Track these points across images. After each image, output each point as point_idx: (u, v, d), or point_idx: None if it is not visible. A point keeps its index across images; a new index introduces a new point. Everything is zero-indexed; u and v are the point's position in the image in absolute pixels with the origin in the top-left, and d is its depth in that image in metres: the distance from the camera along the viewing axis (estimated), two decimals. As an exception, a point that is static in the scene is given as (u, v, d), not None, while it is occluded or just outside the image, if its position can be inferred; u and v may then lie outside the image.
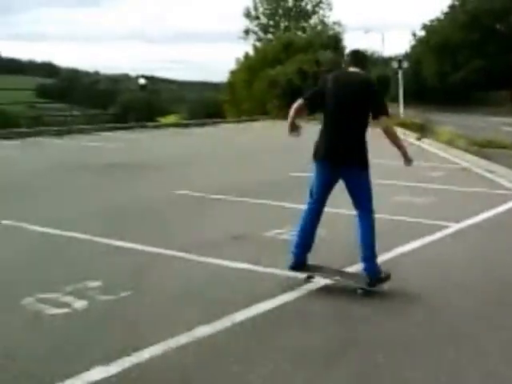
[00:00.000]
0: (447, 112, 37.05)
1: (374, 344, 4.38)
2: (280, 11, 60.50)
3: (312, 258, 5.65)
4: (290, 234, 6.65)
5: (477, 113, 37.77)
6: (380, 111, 5.46)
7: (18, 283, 5.65)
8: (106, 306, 5.04)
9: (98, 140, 20.61)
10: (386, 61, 44.70)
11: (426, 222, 8.05)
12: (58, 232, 7.42)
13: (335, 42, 45.92)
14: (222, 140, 22.31)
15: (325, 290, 5.48)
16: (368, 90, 5.51)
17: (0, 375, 3.89)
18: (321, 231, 5.77)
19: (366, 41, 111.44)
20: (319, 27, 57.69)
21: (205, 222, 8.21)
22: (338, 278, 5.59)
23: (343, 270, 5.82)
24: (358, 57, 5.72)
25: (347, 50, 12.32)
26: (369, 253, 5.42)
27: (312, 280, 5.61)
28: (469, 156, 15.39)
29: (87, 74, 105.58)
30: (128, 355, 4.08)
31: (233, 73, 49.77)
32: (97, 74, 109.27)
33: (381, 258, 5.73)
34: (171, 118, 44.31)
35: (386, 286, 5.44)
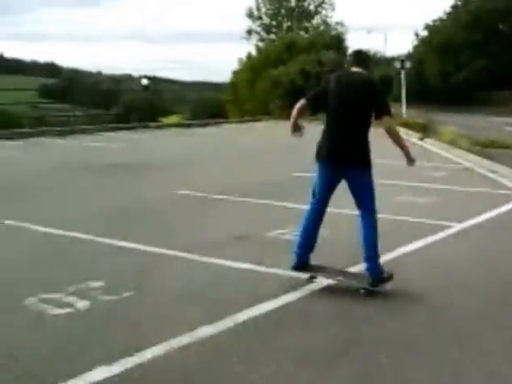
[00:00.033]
0: (450, 112, 37.01)
1: (377, 344, 4.38)
2: (283, 11, 60.51)
3: (314, 258, 5.65)
4: (292, 234, 6.66)
5: (479, 113, 37.72)
6: (383, 111, 5.45)
7: (21, 283, 5.66)
8: (108, 306, 5.04)
9: (101, 140, 20.62)
10: (389, 61, 44.57)
11: (428, 222, 8.04)
12: (60, 232, 7.43)
13: (338, 42, 45.88)
14: (224, 140, 22.31)
15: (327, 290, 5.48)
16: (371, 90, 5.50)
17: (3, 375, 3.90)
18: (323, 231, 5.77)
19: (369, 41, 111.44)
20: (322, 27, 57.66)
21: (207, 222, 8.21)
22: (340, 278, 5.59)
23: (346, 270, 5.81)
24: (361, 57, 5.71)
25: (350, 50, 12.31)
26: (371, 253, 5.42)
27: (314, 280, 5.61)
28: (471, 156, 15.37)
29: (90, 74, 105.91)
30: (130, 355, 4.09)
31: (235, 73, 49.78)
32: (99, 74, 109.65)
33: (383, 258, 5.72)
34: (173, 118, 44.33)
35: (388, 286, 5.43)
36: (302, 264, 5.60)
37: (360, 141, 5.46)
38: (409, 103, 29.65)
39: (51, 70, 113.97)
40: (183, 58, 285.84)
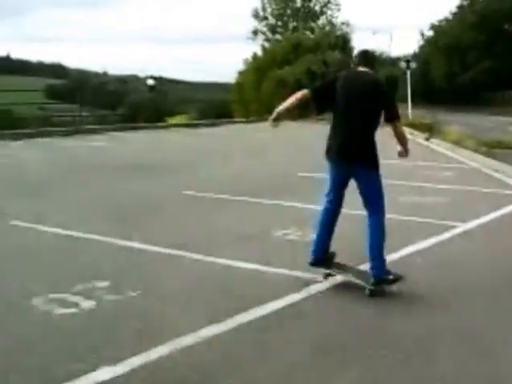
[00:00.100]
0: (456, 112, 36.97)
1: (383, 344, 4.36)
2: (288, 12, 60.52)
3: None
4: (296, 234, 6.63)
5: (485, 113, 37.67)
6: (393, 115, 5.49)
7: (28, 283, 5.66)
8: (113, 306, 5.04)
9: (107, 140, 20.63)
10: (394, 61, 44.53)
11: (434, 222, 8.03)
12: (67, 232, 7.43)
13: (343, 43, 45.78)
14: (230, 140, 22.28)
15: (333, 289, 5.48)
16: (377, 90, 5.50)
17: (8, 374, 3.90)
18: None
19: (374, 41, 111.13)
20: (327, 28, 57.60)
21: (214, 221, 8.20)
22: (351, 275, 5.57)
23: (357, 267, 5.79)
24: (368, 57, 5.71)
25: (355, 51, 12.30)
26: (377, 252, 5.40)
27: (321, 280, 5.60)
28: (477, 156, 15.33)
29: (96, 74, 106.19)
30: (135, 355, 4.08)
31: (241, 73, 49.77)
32: (105, 74, 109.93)
33: (389, 258, 5.71)
34: (179, 119, 44.28)
35: (394, 287, 5.42)
36: (318, 261, 5.60)
37: (368, 140, 5.45)
38: (414, 103, 29.57)
39: (58, 70, 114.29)
40: (189, 58, 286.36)
